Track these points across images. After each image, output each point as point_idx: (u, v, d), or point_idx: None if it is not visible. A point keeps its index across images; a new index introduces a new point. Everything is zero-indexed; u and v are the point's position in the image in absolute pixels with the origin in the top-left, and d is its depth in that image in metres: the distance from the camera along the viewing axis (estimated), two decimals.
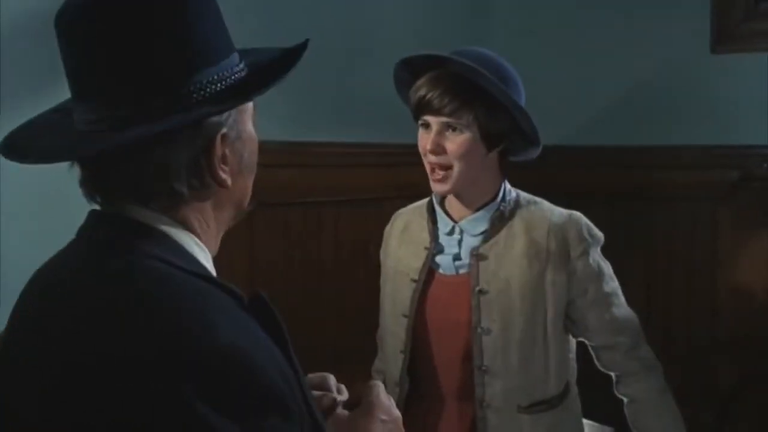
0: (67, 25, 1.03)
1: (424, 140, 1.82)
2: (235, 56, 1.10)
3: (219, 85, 1.05)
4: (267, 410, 0.95)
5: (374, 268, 2.14)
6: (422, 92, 1.79)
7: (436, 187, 1.84)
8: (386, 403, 1.23)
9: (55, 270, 1.09)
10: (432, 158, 1.81)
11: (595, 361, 1.98)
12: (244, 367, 0.94)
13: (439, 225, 1.93)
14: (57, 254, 1.11)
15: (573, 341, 1.97)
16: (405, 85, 1.87)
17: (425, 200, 1.99)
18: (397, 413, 1.24)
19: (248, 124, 1.12)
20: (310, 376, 1.29)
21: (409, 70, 1.85)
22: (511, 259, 1.85)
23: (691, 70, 3.03)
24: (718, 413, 3.00)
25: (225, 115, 1.06)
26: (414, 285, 1.92)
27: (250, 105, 1.13)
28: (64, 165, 1.64)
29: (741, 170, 2.94)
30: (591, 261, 1.88)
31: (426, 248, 1.93)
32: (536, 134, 1.81)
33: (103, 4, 1.01)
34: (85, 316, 0.98)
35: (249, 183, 1.15)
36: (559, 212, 1.90)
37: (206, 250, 1.11)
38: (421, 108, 1.80)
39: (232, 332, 0.95)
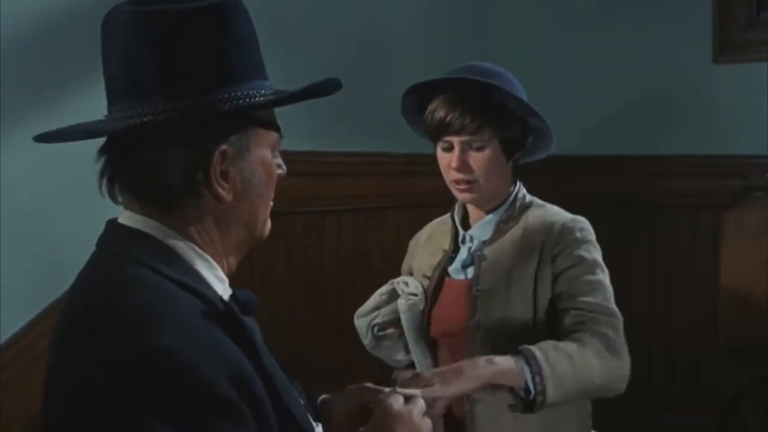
0: (111, 28, 1.09)
1: (447, 159, 1.85)
2: (266, 82, 1.13)
3: (240, 101, 1.08)
4: (209, 411, 0.98)
5: (375, 276, 2.14)
6: (441, 114, 1.81)
7: (464, 197, 1.88)
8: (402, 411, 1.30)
9: (76, 280, 1.16)
10: (457, 175, 1.84)
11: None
12: (182, 368, 0.97)
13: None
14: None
15: None
16: (411, 107, 1.91)
17: (448, 214, 2.03)
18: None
19: (262, 149, 1.14)
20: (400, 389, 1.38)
21: (415, 94, 1.88)
22: (506, 256, 1.88)
23: (693, 80, 3.04)
24: (719, 420, 3.01)
25: (229, 132, 1.09)
26: (426, 281, 1.96)
27: (271, 133, 1.15)
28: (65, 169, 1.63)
29: (743, 180, 2.94)
30: (581, 252, 1.82)
31: (444, 250, 1.97)
32: (549, 129, 1.83)
33: (150, 15, 1.06)
34: (72, 323, 1.08)
35: (259, 208, 1.17)
36: (563, 214, 1.92)
37: (211, 260, 1.13)
38: (442, 130, 1.83)
39: (173, 335, 0.98)
